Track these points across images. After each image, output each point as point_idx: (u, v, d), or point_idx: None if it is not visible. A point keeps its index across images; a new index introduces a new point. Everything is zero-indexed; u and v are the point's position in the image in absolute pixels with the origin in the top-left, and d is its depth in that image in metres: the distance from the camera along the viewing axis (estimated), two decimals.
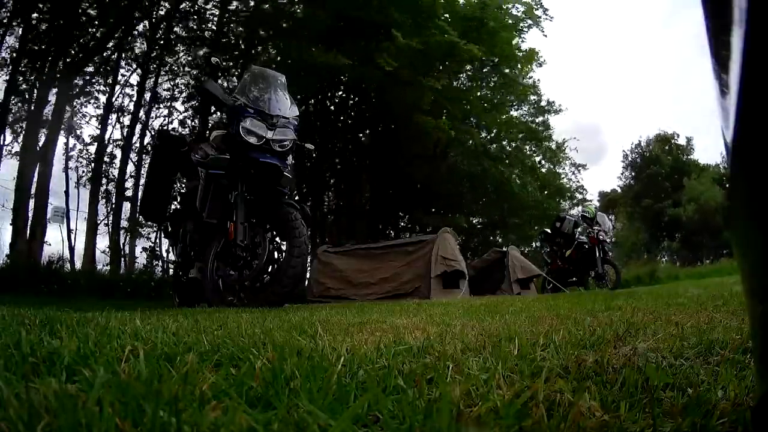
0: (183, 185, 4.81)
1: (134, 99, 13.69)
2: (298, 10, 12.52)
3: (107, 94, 13.46)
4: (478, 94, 15.73)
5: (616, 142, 67.71)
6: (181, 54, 14.03)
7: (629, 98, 63.59)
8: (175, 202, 4.98)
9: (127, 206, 13.44)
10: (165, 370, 0.75)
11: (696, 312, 1.82)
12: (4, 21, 11.05)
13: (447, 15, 12.82)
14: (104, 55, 13.02)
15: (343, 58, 10.54)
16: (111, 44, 12.90)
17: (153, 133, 13.61)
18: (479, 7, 13.01)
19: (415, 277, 7.39)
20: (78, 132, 14.05)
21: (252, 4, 13.22)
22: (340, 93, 14.50)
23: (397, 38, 10.78)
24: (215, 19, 13.62)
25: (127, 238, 13.46)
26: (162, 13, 13.13)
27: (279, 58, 11.63)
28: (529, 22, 13.96)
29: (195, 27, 13.70)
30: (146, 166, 12.18)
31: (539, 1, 13.69)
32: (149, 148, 13.05)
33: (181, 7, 13.16)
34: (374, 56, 11.02)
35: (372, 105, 13.50)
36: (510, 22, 13.75)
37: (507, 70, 15.88)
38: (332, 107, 14.69)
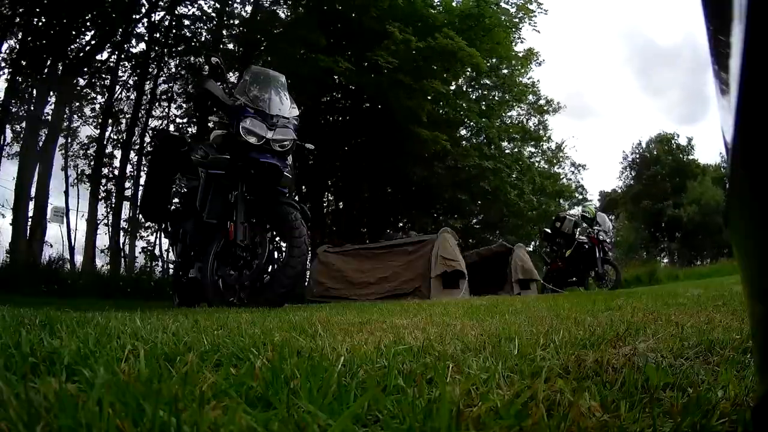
0: (183, 185, 4.80)
1: (133, 99, 13.69)
2: (297, 10, 12.50)
3: (106, 95, 13.46)
4: (474, 96, 15.67)
5: (615, 141, 67.78)
6: (180, 57, 14.01)
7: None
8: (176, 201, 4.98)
9: (127, 206, 13.45)
10: (165, 370, 0.75)
11: (696, 312, 1.81)
12: (4, 21, 11.04)
13: (444, 17, 12.78)
14: (103, 56, 13.05)
15: (343, 62, 10.48)
16: (110, 46, 12.90)
17: (152, 134, 13.61)
18: (475, 5, 12.97)
19: (415, 277, 7.38)
20: (77, 132, 14.07)
21: (249, 9, 13.24)
22: (339, 95, 14.47)
23: (394, 33, 10.68)
24: (213, 23, 13.62)
25: (127, 238, 13.46)
26: (158, 18, 13.15)
27: (271, 59, 11.61)
28: (526, 20, 13.88)
29: (192, 32, 13.70)
30: (146, 165, 12.22)
31: None
32: (149, 148, 13.06)
33: (176, 12, 13.16)
34: (371, 56, 10.96)
35: (371, 109, 13.47)
36: (503, 18, 13.67)
37: (505, 71, 15.83)
38: (331, 109, 14.67)
